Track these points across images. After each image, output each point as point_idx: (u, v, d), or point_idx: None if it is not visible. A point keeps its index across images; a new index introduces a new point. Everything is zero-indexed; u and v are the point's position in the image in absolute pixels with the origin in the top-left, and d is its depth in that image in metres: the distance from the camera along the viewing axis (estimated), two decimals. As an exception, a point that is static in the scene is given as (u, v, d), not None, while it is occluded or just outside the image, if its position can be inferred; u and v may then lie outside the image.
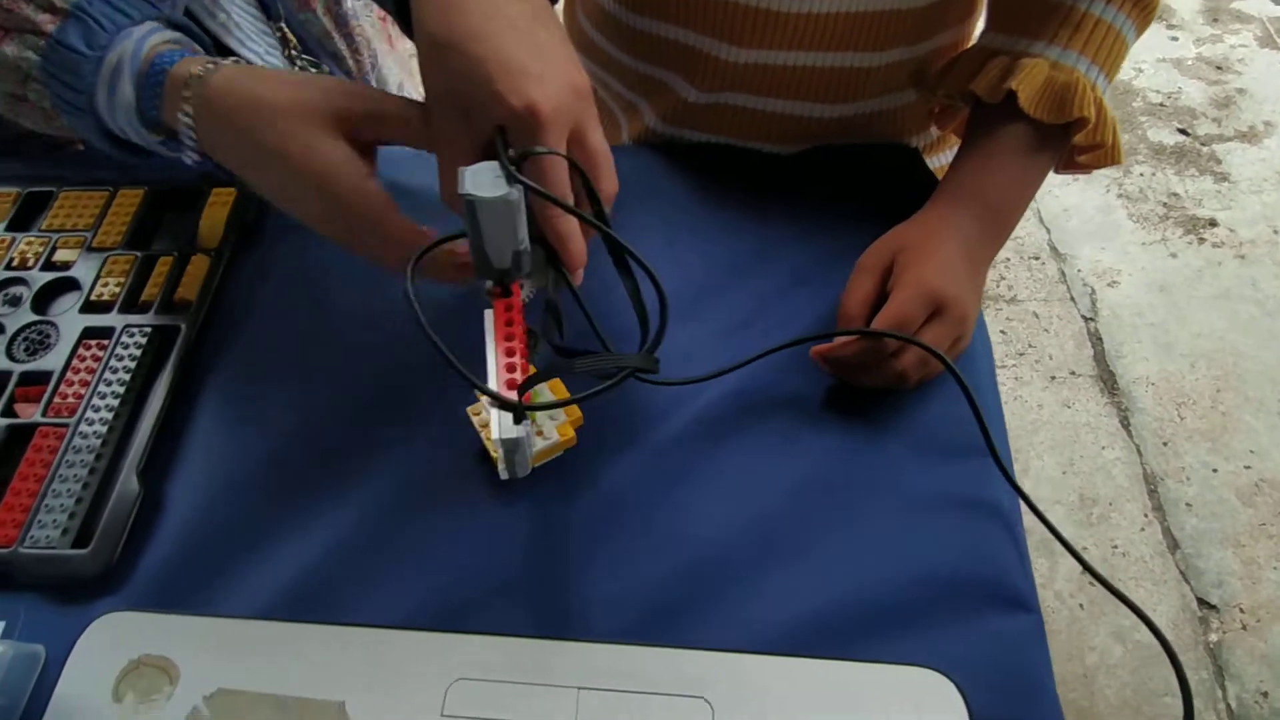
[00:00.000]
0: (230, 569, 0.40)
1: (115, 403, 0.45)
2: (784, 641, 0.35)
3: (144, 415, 0.45)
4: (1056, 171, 0.49)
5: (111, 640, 0.38)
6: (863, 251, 0.45)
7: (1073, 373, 1.42)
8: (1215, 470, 1.29)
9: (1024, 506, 0.40)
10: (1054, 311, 1.51)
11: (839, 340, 0.41)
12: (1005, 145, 0.45)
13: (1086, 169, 0.48)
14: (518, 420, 0.30)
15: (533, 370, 0.32)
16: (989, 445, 0.38)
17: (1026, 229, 1.63)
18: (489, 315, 0.33)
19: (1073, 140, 0.45)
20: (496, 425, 0.30)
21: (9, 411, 0.45)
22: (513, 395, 0.30)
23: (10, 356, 0.47)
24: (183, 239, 0.53)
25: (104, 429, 0.44)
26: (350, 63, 0.71)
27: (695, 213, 0.53)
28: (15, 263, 0.51)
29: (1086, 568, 0.38)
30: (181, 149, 0.40)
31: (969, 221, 0.44)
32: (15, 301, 0.50)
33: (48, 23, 0.39)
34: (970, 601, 0.37)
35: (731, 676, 0.34)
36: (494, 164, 0.29)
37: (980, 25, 0.51)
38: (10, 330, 0.48)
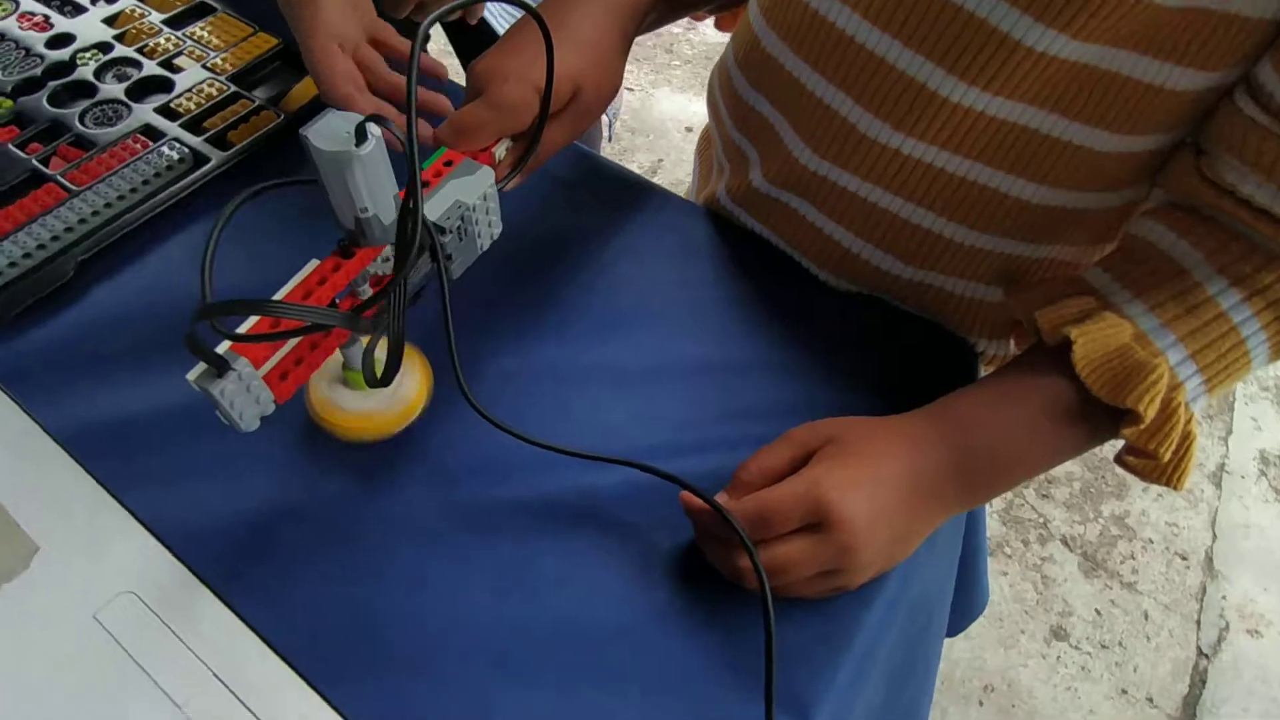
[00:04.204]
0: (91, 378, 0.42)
1: (114, 196, 0.47)
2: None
3: (123, 220, 0.47)
4: (1117, 461, 0.39)
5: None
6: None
7: (1150, 699, 1.19)
8: None
9: None
10: (1170, 624, 1.27)
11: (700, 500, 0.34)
12: (1032, 392, 0.36)
13: (1138, 474, 0.38)
14: (220, 373, 0.27)
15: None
16: (767, 701, 0.31)
17: (1191, 524, 1.39)
18: (310, 264, 0.31)
19: (1121, 431, 0.35)
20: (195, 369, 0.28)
21: (46, 159, 0.49)
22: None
23: (80, 119, 0.52)
24: (275, 94, 0.56)
25: (88, 212, 0.47)
26: None
27: (717, 296, 0.48)
28: (148, 49, 0.57)
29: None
30: None
31: (939, 453, 0.35)
32: (122, 78, 0.55)
33: None
34: None
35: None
36: (352, 117, 0.27)
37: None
38: (98, 97, 0.53)
